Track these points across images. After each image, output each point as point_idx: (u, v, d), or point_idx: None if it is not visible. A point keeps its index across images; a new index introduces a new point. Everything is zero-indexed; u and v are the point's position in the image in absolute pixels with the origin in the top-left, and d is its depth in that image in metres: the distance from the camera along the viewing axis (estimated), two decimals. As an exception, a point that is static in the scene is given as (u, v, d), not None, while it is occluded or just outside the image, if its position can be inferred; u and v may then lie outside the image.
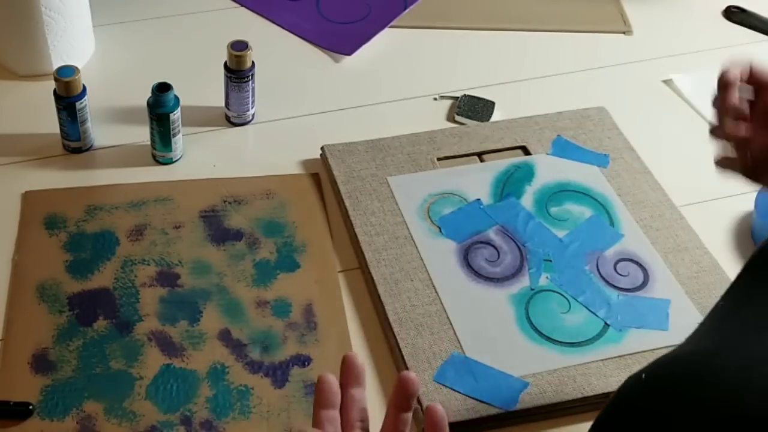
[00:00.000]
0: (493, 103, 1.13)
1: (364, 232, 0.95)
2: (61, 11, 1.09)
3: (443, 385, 0.82)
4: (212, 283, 0.91)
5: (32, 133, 1.06)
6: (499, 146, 1.06)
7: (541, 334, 0.87)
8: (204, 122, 1.09)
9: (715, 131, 0.83)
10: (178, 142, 1.03)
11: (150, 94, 0.99)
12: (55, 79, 0.98)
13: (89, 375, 0.83)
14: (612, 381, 0.83)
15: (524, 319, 0.88)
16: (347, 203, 0.98)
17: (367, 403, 0.67)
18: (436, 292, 0.90)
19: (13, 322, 0.86)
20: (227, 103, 1.08)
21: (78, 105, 0.99)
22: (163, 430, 0.79)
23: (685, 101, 1.18)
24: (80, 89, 0.99)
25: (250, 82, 1.06)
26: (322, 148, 1.04)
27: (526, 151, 1.06)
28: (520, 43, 1.26)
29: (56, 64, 1.07)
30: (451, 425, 0.79)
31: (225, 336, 0.87)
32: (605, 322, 0.89)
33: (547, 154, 1.06)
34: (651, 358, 0.86)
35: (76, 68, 0.99)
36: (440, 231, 0.96)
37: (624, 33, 1.29)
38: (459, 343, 0.86)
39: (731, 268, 0.96)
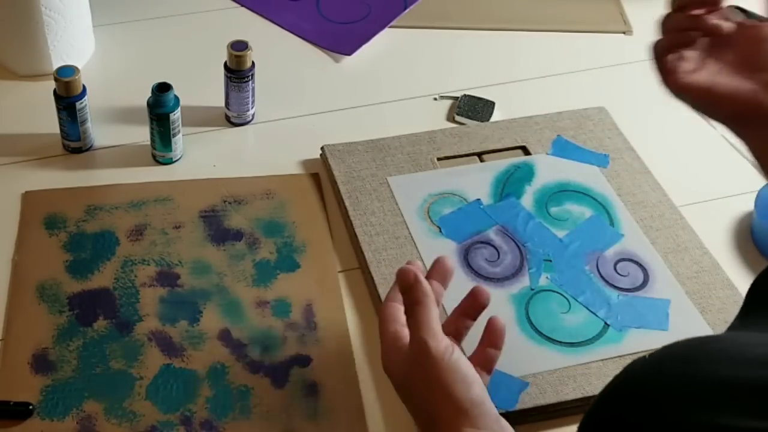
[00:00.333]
0: (493, 103, 1.13)
1: (364, 232, 0.95)
2: (61, 11, 1.09)
3: (443, 385, 0.82)
4: (212, 283, 0.91)
5: (32, 133, 1.06)
6: (499, 146, 1.06)
7: (541, 334, 0.87)
8: (204, 122, 1.09)
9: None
10: (178, 142, 1.03)
11: (150, 94, 0.99)
12: (55, 79, 0.98)
13: (89, 375, 0.83)
14: (612, 381, 0.83)
15: (524, 319, 0.88)
16: (347, 203, 0.98)
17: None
18: (436, 292, 0.90)
19: (13, 322, 0.86)
20: (227, 103, 1.08)
21: (78, 105, 0.99)
22: (163, 430, 0.79)
23: (685, 101, 1.18)
24: (80, 89, 0.99)
25: (250, 82, 1.06)
26: (322, 148, 1.05)
27: (526, 151, 1.06)
28: (520, 43, 1.26)
29: (56, 64, 1.07)
30: (451, 425, 0.80)
31: (225, 336, 0.87)
32: (605, 322, 0.89)
33: (547, 154, 1.06)
34: (651, 358, 0.86)
35: (76, 68, 0.99)
36: (440, 231, 0.96)
37: (624, 33, 1.29)
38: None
39: (731, 268, 0.96)
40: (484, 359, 0.75)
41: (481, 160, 1.05)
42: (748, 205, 1.02)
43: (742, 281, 0.95)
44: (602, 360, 0.85)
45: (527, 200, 1.00)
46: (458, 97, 1.14)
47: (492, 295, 0.90)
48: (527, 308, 0.89)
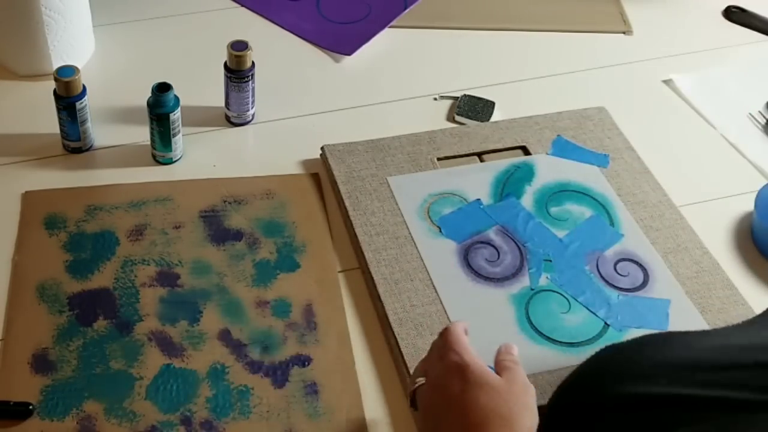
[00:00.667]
0: (493, 103, 1.13)
1: (364, 232, 0.95)
2: (61, 11, 1.09)
3: (443, 385, 0.82)
4: (212, 283, 0.91)
5: (32, 133, 1.06)
6: (499, 146, 1.06)
7: (541, 334, 0.87)
8: (204, 122, 1.09)
9: None
10: (178, 142, 1.03)
11: (150, 94, 0.99)
12: (55, 79, 0.98)
13: (89, 375, 0.83)
14: (612, 381, 0.84)
15: (524, 319, 0.88)
16: (347, 203, 0.98)
17: None
18: (436, 292, 0.90)
19: (13, 322, 0.86)
20: (227, 103, 1.08)
21: (78, 105, 0.99)
22: (163, 430, 0.79)
23: (685, 101, 1.18)
24: (80, 89, 0.99)
25: (250, 82, 1.06)
26: (322, 148, 1.05)
27: (526, 151, 1.06)
28: (520, 43, 1.26)
29: (56, 64, 1.07)
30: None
31: (225, 336, 0.87)
32: (605, 322, 0.89)
33: (547, 154, 1.06)
34: (651, 358, 0.86)
35: (76, 68, 0.99)
36: (440, 231, 0.96)
37: (624, 33, 1.29)
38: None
39: (731, 268, 0.96)
40: None
41: (481, 160, 1.05)
42: (748, 205, 1.02)
43: (742, 281, 0.95)
44: (602, 360, 0.85)
45: (527, 200, 1.00)
46: (458, 97, 1.14)
47: (492, 295, 0.91)
48: (527, 308, 0.89)
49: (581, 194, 1.01)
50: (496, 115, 1.12)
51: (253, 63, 1.05)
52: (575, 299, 0.91)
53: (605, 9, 1.33)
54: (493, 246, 0.95)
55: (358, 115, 1.12)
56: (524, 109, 1.12)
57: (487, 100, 1.13)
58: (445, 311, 0.88)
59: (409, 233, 0.95)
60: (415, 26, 1.27)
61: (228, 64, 1.04)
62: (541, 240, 0.96)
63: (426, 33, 1.26)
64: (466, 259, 0.94)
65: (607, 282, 0.92)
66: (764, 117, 1.15)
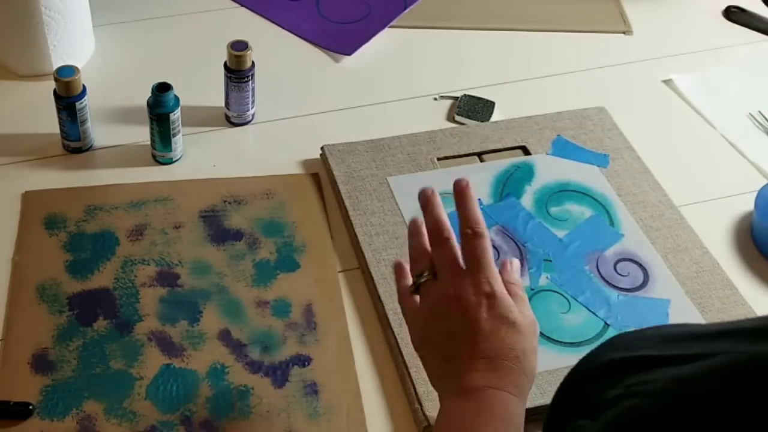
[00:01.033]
0: (493, 103, 1.13)
1: (364, 232, 0.95)
2: (61, 11, 1.09)
3: (443, 385, 0.82)
4: (212, 283, 0.91)
5: (32, 133, 1.06)
6: (499, 146, 1.06)
7: (541, 334, 0.87)
8: (204, 122, 1.09)
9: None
10: (178, 142, 1.03)
11: (150, 94, 0.99)
12: (55, 79, 0.98)
13: (89, 375, 0.83)
14: (612, 381, 0.83)
15: (524, 319, 0.88)
16: (347, 203, 0.98)
17: None
18: (436, 292, 0.90)
19: (13, 322, 0.86)
20: (227, 103, 1.08)
21: (78, 105, 0.99)
22: (163, 430, 0.79)
23: (685, 101, 1.18)
24: (80, 89, 0.99)
25: (250, 82, 1.06)
26: (322, 148, 1.05)
27: (526, 151, 1.06)
28: (520, 43, 1.26)
29: (56, 64, 1.07)
30: (451, 425, 0.80)
31: (225, 336, 0.87)
32: (605, 322, 0.89)
33: (547, 154, 1.06)
34: (651, 358, 0.86)
35: (76, 68, 0.99)
36: (440, 231, 0.96)
37: (624, 33, 1.29)
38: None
39: (731, 268, 0.96)
40: None
41: (481, 160, 1.05)
42: (748, 205, 1.02)
43: (742, 281, 0.95)
44: (602, 360, 0.85)
45: (527, 200, 1.00)
46: (458, 97, 1.14)
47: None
48: (527, 308, 0.89)
49: (581, 194, 1.01)
50: (496, 115, 1.12)
51: (253, 63, 1.05)
52: (575, 299, 0.91)
53: (605, 9, 1.33)
54: (493, 246, 0.95)
55: (358, 115, 1.12)
56: (524, 109, 1.12)
57: (487, 100, 1.13)
58: (445, 311, 0.88)
59: (409, 233, 0.95)
60: (415, 26, 1.27)
61: (228, 64, 1.04)
62: (541, 240, 0.96)
63: (426, 33, 1.26)
64: (466, 259, 0.93)
65: (607, 282, 0.92)
66: (764, 117, 1.15)
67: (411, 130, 1.07)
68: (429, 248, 0.75)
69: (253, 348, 0.86)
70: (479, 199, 0.99)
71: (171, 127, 1.00)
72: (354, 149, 1.04)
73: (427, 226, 0.76)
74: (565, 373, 0.84)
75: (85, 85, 1.00)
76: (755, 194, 1.00)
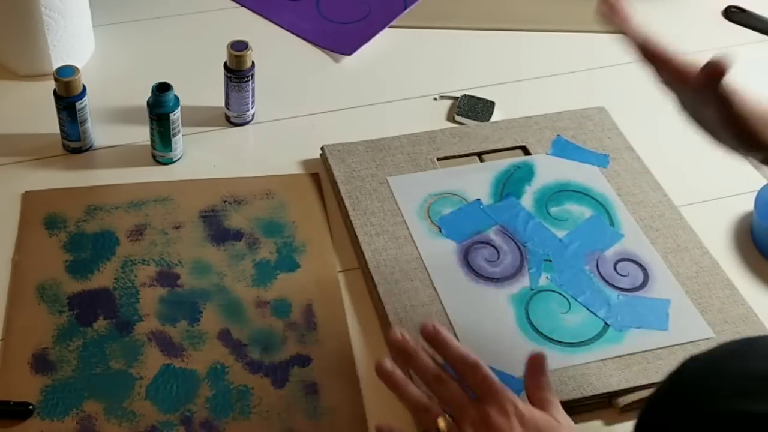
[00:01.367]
0: (493, 103, 1.13)
1: (364, 232, 0.95)
2: (61, 11, 1.09)
3: (443, 385, 0.82)
4: (212, 283, 0.91)
5: (32, 133, 1.06)
6: (499, 146, 1.06)
7: (541, 334, 0.87)
8: (204, 122, 1.09)
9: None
10: (178, 142, 1.03)
11: (150, 94, 0.99)
12: (55, 79, 0.98)
13: (89, 375, 0.83)
14: (612, 381, 0.83)
15: (524, 319, 0.88)
16: (347, 203, 0.98)
17: None
18: (436, 292, 0.90)
19: (13, 322, 0.86)
20: (227, 103, 1.08)
21: (78, 105, 0.99)
22: (163, 430, 0.79)
23: (685, 101, 1.18)
24: (80, 89, 0.99)
25: (250, 82, 1.06)
26: (322, 148, 1.05)
27: (526, 151, 1.06)
28: (520, 43, 1.26)
29: (56, 64, 1.07)
30: (451, 425, 0.80)
31: (225, 336, 0.87)
32: (605, 322, 0.89)
33: (547, 154, 1.06)
34: (651, 358, 0.87)
35: (76, 68, 0.99)
36: (440, 231, 0.96)
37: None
38: (459, 343, 0.85)
39: (731, 268, 0.96)
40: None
41: (481, 160, 1.05)
42: (748, 205, 1.02)
43: (742, 281, 0.95)
44: (602, 360, 0.85)
45: (527, 200, 1.00)
46: (458, 97, 1.14)
47: (492, 295, 0.91)
48: (527, 308, 0.89)
49: (581, 194, 1.01)
50: (496, 115, 1.12)
51: (253, 63, 1.05)
52: (575, 299, 0.91)
53: (605, 9, 1.33)
54: (493, 246, 0.95)
55: (358, 115, 1.12)
56: (524, 109, 1.12)
57: (487, 100, 1.13)
58: (445, 311, 0.88)
59: (409, 233, 0.95)
60: (415, 26, 1.27)
61: (228, 64, 1.04)
62: (541, 240, 0.96)
63: (426, 33, 1.26)
64: (466, 259, 0.94)
65: (607, 282, 0.92)
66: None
67: (411, 130, 1.07)
68: (422, 395, 0.72)
69: (253, 348, 0.86)
70: (479, 200, 0.99)
71: (171, 127, 1.00)
72: (354, 149, 1.04)
73: (418, 372, 0.73)
74: (565, 372, 0.85)
75: (85, 85, 1.00)
76: (755, 194, 1.00)
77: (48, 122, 1.04)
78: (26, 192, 0.99)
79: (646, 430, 0.65)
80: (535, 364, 0.74)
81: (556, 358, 0.85)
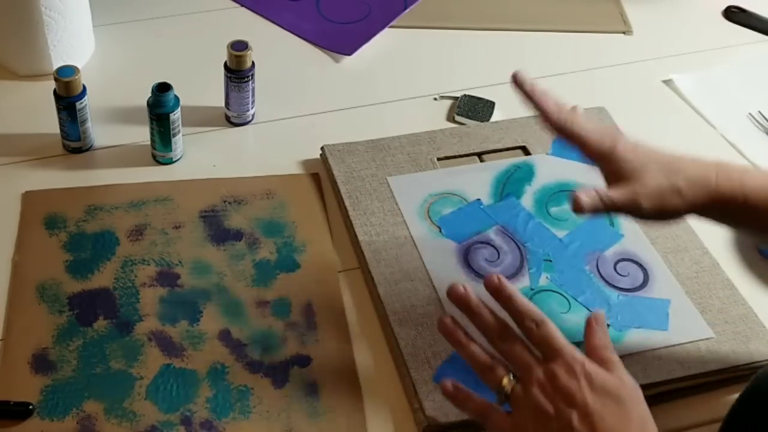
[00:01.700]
0: (493, 103, 1.13)
1: (364, 232, 0.95)
2: (61, 11, 1.09)
3: (443, 385, 0.82)
4: (212, 283, 0.91)
5: (32, 133, 1.06)
6: (499, 146, 1.06)
7: (541, 334, 0.87)
8: (204, 122, 1.09)
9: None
10: (178, 142, 1.03)
11: (150, 94, 0.99)
12: (55, 79, 0.98)
13: (89, 375, 0.83)
14: (612, 381, 0.83)
15: (524, 319, 0.88)
16: (347, 203, 0.98)
17: None
18: (436, 292, 0.90)
19: (13, 322, 0.86)
20: (227, 103, 1.08)
21: (78, 105, 0.99)
22: (163, 430, 0.79)
23: (685, 101, 1.18)
24: (80, 89, 0.99)
25: (250, 82, 1.06)
26: (322, 148, 1.05)
27: (526, 151, 1.06)
28: (520, 43, 1.26)
29: (56, 64, 1.07)
30: (451, 425, 0.80)
31: (225, 336, 0.87)
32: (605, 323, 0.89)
33: (547, 154, 1.06)
34: (650, 357, 0.87)
35: (76, 68, 0.99)
36: (440, 231, 0.96)
37: (624, 33, 1.29)
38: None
39: (731, 268, 0.96)
40: None
41: (481, 160, 1.05)
42: (748, 205, 1.02)
43: (742, 281, 0.95)
44: (602, 360, 0.85)
45: (527, 200, 1.00)
46: (458, 97, 1.14)
47: (492, 295, 0.90)
48: (527, 308, 0.89)
49: (581, 194, 1.01)
50: (496, 115, 1.12)
51: (253, 63, 1.05)
52: (575, 299, 0.91)
53: (605, 9, 1.33)
54: (493, 246, 0.95)
55: (358, 115, 1.12)
56: (524, 109, 1.12)
57: (487, 100, 1.13)
58: (445, 311, 0.88)
59: (409, 233, 0.95)
60: (415, 26, 1.27)
61: (228, 64, 1.04)
62: (541, 240, 0.96)
63: (426, 33, 1.26)
64: (466, 259, 0.94)
65: (607, 282, 0.92)
66: (764, 117, 1.15)
67: (411, 130, 1.07)
68: (485, 354, 0.72)
69: (253, 348, 0.86)
70: (479, 200, 0.99)
71: (171, 127, 1.00)
72: (354, 149, 1.04)
73: (481, 328, 0.73)
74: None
75: (85, 85, 1.00)
76: (755, 194, 1.00)
77: (48, 122, 1.04)
78: (26, 192, 0.99)
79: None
80: (596, 323, 0.72)
81: (556, 358, 0.85)
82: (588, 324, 0.73)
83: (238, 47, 1.03)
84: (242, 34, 1.06)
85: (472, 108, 1.12)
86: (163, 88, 0.98)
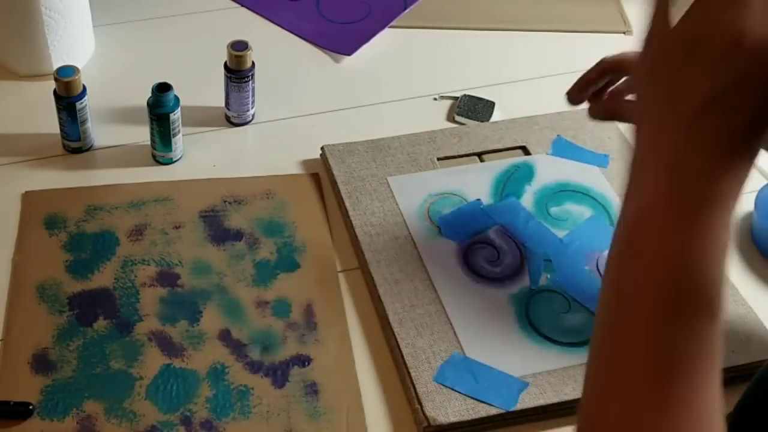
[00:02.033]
0: (493, 103, 1.13)
1: (364, 232, 0.95)
2: (61, 11, 1.09)
3: (443, 385, 0.82)
4: (212, 283, 0.91)
5: (32, 133, 1.06)
6: (499, 146, 1.06)
7: (541, 334, 0.87)
8: (204, 122, 1.09)
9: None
10: (178, 142, 1.03)
11: (150, 94, 0.99)
12: (55, 79, 0.98)
13: (89, 375, 0.83)
14: (612, 381, 0.83)
15: (524, 319, 0.88)
16: (347, 203, 0.98)
17: None
18: (436, 292, 0.90)
19: (13, 322, 0.86)
20: (227, 103, 1.08)
21: (78, 105, 0.99)
22: (163, 430, 0.79)
23: (685, 101, 1.17)
24: (80, 89, 0.99)
25: (250, 82, 1.06)
26: (322, 148, 1.05)
27: (526, 151, 1.06)
28: (520, 43, 1.26)
29: (56, 64, 1.06)
30: (451, 425, 0.80)
31: (225, 336, 0.87)
32: (605, 322, 0.89)
33: (547, 154, 1.06)
34: (651, 358, 0.86)
35: (76, 68, 0.99)
36: (440, 231, 0.96)
37: (624, 33, 1.29)
38: (459, 343, 0.86)
39: (731, 268, 0.96)
40: None
41: (481, 160, 1.05)
42: (748, 205, 1.02)
43: (742, 281, 0.95)
44: (602, 360, 0.85)
45: (527, 200, 1.00)
46: (458, 97, 1.14)
47: (492, 295, 0.91)
48: (527, 308, 0.89)
49: (581, 194, 1.01)
50: (496, 115, 1.12)
51: (253, 63, 1.05)
52: (575, 299, 0.91)
53: (605, 9, 1.33)
54: (493, 246, 0.95)
55: (358, 115, 1.12)
56: (524, 109, 1.12)
57: (487, 100, 1.13)
58: (445, 311, 0.88)
59: (409, 233, 0.95)
60: (415, 26, 1.27)
61: (228, 64, 1.04)
62: (541, 240, 0.96)
63: (426, 33, 1.26)
64: (466, 259, 0.94)
65: (607, 282, 0.92)
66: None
67: (411, 130, 1.07)
68: None
69: (253, 348, 0.86)
70: (479, 200, 0.99)
71: (171, 127, 1.00)
72: (354, 149, 1.04)
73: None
74: (565, 373, 0.84)
75: (85, 85, 1.00)
76: (755, 194, 1.00)
77: (48, 122, 1.04)
78: (26, 192, 0.99)
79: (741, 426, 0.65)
80: None
81: (556, 358, 0.85)
82: None
83: (238, 47, 1.03)
84: (242, 34, 1.06)
85: (472, 108, 1.12)
86: (163, 88, 0.98)
